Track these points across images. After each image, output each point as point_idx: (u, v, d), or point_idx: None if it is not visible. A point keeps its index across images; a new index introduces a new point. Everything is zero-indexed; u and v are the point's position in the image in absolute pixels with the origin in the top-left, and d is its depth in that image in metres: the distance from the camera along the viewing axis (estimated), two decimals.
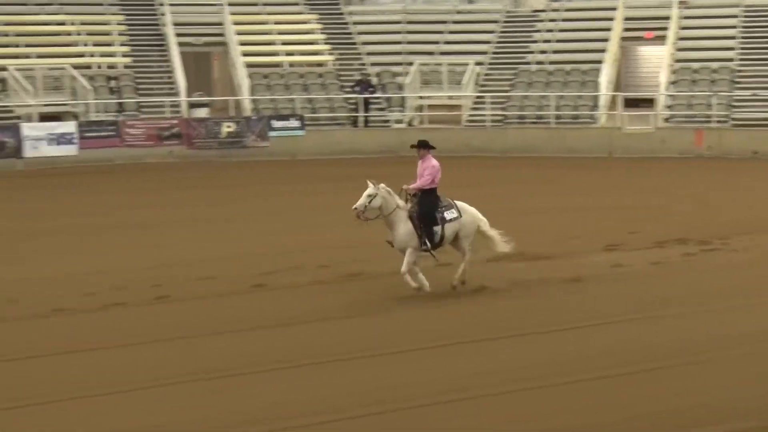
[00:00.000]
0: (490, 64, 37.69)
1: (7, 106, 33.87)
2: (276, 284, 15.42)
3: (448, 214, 14.71)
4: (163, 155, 33.77)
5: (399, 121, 36.50)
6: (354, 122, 36.15)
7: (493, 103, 36.14)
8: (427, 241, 14.39)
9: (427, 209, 14.50)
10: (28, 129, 32.56)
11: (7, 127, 32.57)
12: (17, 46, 35.94)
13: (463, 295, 14.79)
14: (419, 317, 13.82)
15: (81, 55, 36.26)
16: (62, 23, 37.14)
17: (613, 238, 18.80)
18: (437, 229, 14.58)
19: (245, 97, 36.25)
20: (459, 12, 39.44)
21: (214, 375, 11.27)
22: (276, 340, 12.75)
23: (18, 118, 33.50)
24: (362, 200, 14.27)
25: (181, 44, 37.27)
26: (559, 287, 15.28)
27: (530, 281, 15.56)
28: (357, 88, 36.18)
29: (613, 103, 35.74)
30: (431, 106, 36.98)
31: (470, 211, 15.07)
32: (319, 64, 38.09)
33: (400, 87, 37.05)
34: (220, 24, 38.30)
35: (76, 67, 35.17)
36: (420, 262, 14.73)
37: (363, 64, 38.06)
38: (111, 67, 36.50)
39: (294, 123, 35.26)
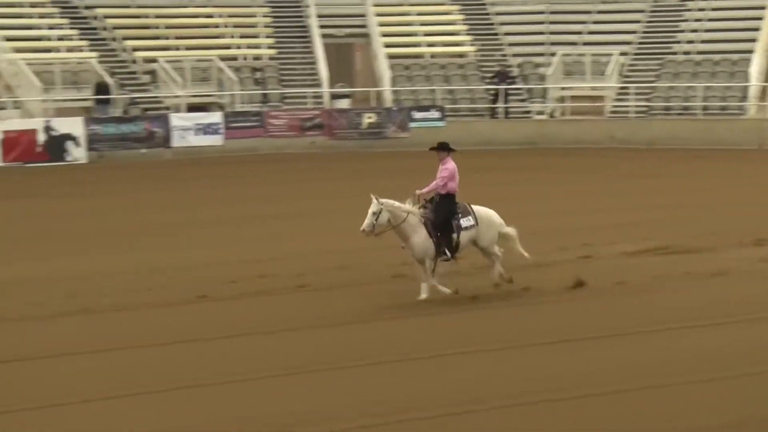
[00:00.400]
0: (635, 54, 36.96)
1: (156, 96, 34.89)
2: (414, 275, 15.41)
3: (464, 222, 14.01)
4: (304, 145, 34.25)
5: (540, 113, 36.16)
6: (493, 113, 36.00)
7: (637, 93, 35.44)
8: (446, 251, 13.77)
9: (444, 217, 13.85)
10: (176, 119, 33.50)
11: (157, 117, 33.57)
12: (167, 38, 36.96)
13: (599, 288, 14.49)
14: (555, 311, 13.58)
15: (227, 47, 37.07)
16: (210, 16, 38.02)
17: (763, 232, 18.19)
18: (452, 236, 13.94)
19: (386, 89, 36.45)
20: (603, 1, 38.78)
21: (327, 366, 11.29)
22: (401, 329, 12.74)
23: (167, 108, 34.48)
24: (368, 220, 13.63)
25: (324, 36, 37.72)
26: (702, 282, 14.87)
27: (673, 275, 15.19)
28: (496, 80, 36.04)
29: (763, 94, 34.61)
30: (573, 97, 36.50)
31: (487, 218, 14.25)
32: (461, 55, 38.01)
33: (542, 78, 36.67)
34: (362, 16, 38.59)
35: (222, 58, 35.99)
36: (438, 270, 14.00)
37: (504, 55, 37.81)
38: (256, 58, 37.21)
39: (434, 114, 35.30)
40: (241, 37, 37.72)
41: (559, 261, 16.18)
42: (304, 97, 36.03)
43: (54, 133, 31.97)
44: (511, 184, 26.02)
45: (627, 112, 35.36)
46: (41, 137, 31.80)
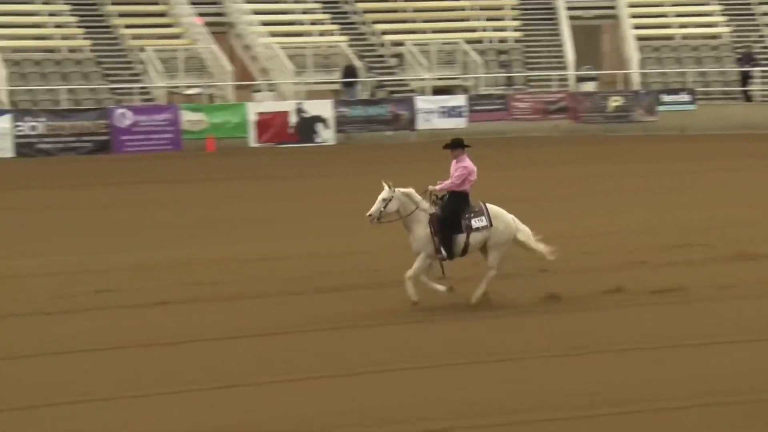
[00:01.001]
0: None
1: (403, 79, 35.47)
2: (656, 262, 14.95)
3: (476, 222, 13.02)
4: (548, 129, 33.96)
5: None
6: (747, 96, 34.60)
7: None
8: (443, 250, 12.91)
9: (448, 213, 12.99)
10: (421, 102, 33.97)
11: (402, 100, 34.15)
12: (414, 21, 37.48)
13: None
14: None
15: (473, 30, 37.20)
16: None
17: None
18: (461, 237, 12.98)
19: (634, 71, 35.63)
20: None
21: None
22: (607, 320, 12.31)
23: (412, 91, 35.00)
24: (377, 206, 12.94)
25: (571, 18, 37.24)
26: None
27: None
28: (741, 62, 34.71)
29: None
30: None
31: (504, 220, 13.19)
32: (714, 36, 36.65)
33: None
34: None
35: (468, 41, 36.16)
36: (432, 271, 13.02)
37: (762, 36, 36.18)
38: (501, 41, 37.18)
39: (684, 97, 34.26)
40: (487, 19, 37.76)
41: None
42: (549, 80, 35.71)
43: (305, 115, 33.07)
44: (764, 168, 24.94)
45: None
46: (293, 119, 32.97)
